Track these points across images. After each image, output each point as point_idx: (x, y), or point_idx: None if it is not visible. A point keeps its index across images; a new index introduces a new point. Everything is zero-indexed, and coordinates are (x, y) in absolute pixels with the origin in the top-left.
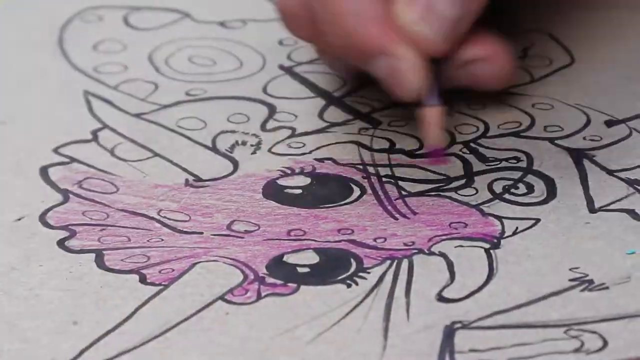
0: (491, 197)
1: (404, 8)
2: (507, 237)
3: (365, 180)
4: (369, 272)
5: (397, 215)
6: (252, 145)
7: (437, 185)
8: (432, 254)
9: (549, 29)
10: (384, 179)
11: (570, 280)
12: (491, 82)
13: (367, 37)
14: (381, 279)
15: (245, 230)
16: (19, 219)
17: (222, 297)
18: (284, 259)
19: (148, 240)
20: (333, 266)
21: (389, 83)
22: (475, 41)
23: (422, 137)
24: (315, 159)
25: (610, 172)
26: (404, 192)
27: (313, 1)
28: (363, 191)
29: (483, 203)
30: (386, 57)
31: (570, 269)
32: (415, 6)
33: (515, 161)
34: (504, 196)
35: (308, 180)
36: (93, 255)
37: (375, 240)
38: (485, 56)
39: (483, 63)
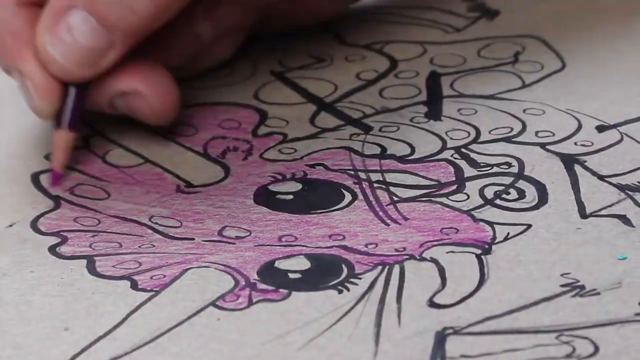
0: (482, 202)
1: (42, 30)
2: (499, 242)
3: (357, 185)
4: (360, 278)
5: (388, 221)
6: (243, 151)
7: (428, 190)
8: (423, 259)
9: (541, 33)
10: (375, 185)
11: (562, 285)
12: (147, 117)
13: (5, 51)
14: (372, 284)
15: (237, 236)
16: (10, 225)
17: (213, 303)
18: (275, 264)
19: (139, 246)
20: (324, 272)
21: (23, 95)
22: (132, 72)
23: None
24: (307, 165)
25: (602, 178)
26: (395, 198)
27: None
28: (354, 197)
29: (474, 209)
30: (19, 72)
31: (561, 275)
32: (53, 29)
33: (506, 167)
34: (495, 202)
35: (299, 186)
36: (84, 261)
37: (366, 246)
38: (141, 90)
39: (138, 96)
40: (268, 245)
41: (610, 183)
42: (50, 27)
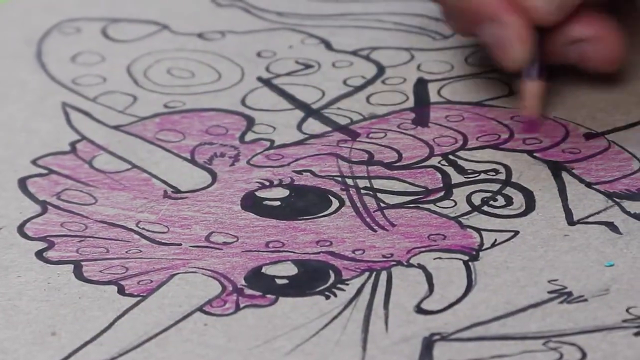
0: (470, 209)
1: None
2: (486, 249)
3: (344, 192)
4: (347, 284)
5: (375, 227)
6: (230, 157)
7: (415, 197)
8: (410, 265)
9: None
10: (362, 191)
11: (549, 292)
12: (599, 64)
13: (482, 3)
14: (360, 290)
15: (224, 242)
16: None
17: (200, 309)
18: (263, 270)
19: (127, 252)
20: (312, 278)
21: (495, 50)
22: (587, 20)
23: (520, 106)
24: (294, 171)
25: (589, 185)
26: (382, 204)
27: None
28: (342, 203)
29: (462, 215)
30: (496, 23)
31: (549, 281)
32: None
33: (494, 173)
34: (482, 208)
35: (287, 192)
36: (71, 266)
37: (353, 252)
38: (596, 36)
39: (593, 43)
40: (255, 251)
41: (597, 190)
42: None
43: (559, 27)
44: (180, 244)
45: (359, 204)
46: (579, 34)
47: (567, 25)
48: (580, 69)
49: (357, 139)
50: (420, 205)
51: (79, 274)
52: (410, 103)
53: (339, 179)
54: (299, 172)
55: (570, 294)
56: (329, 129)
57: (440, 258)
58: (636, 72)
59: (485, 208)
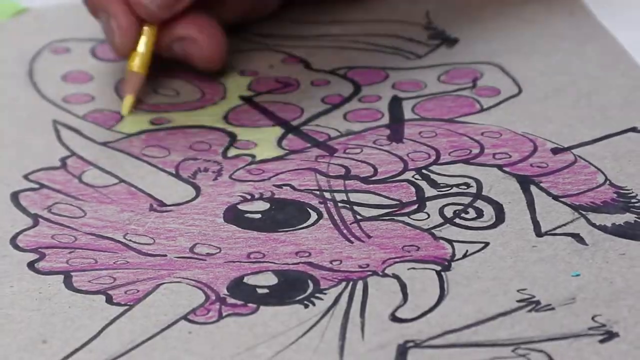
0: (442, 221)
1: None
2: (458, 259)
3: (322, 205)
4: (325, 293)
5: (352, 239)
6: (213, 172)
7: (390, 210)
8: (386, 275)
9: (498, 60)
10: (339, 204)
11: (518, 301)
12: (200, 61)
13: None
14: (337, 299)
15: (207, 253)
16: None
17: (185, 317)
18: (244, 280)
19: (114, 263)
20: (291, 287)
21: (105, 36)
22: (189, 20)
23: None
24: (274, 185)
25: (556, 198)
26: (359, 217)
27: None
28: (320, 216)
29: (435, 227)
30: (105, 14)
31: (518, 290)
32: None
33: (465, 187)
34: (454, 220)
35: (267, 205)
36: (62, 276)
37: (331, 262)
38: (193, 36)
39: (193, 42)
40: (237, 261)
41: (564, 203)
42: None
43: (165, 23)
44: (166, 255)
45: (336, 217)
46: (180, 33)
47: (172, 23)
48: (188, 65)
49: (335, 155)
50: (394, 217)
51: (68, 284)
52: (385, 120)
53: (318, 192)
54: (279, 186)
55: (538, 302)
56: (308, 144)
57: (414, 268)
58: (599, 89)
59: (457, 220)
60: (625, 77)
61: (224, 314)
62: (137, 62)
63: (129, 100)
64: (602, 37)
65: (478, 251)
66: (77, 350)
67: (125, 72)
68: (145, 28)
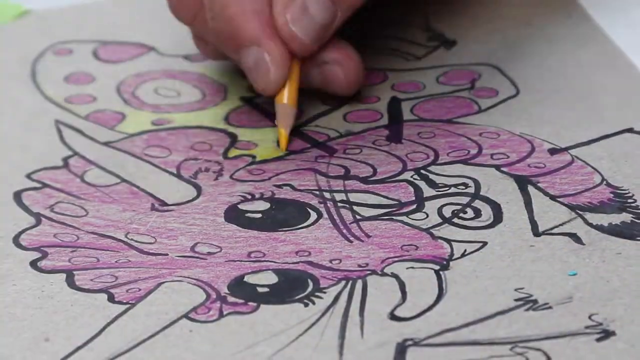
0: (441, 221)
1: (282, 9)
2: (456, 259)
3: (322, 205)
4: (325, 292)
5: (351, 238)
6: (214, 172)
7: (389, 210)
8: (384, 274)
9: (496, 62)
10: (339, 204)
11: (516, 300)
12: (340, 85)
13: (245, 27)
14: (337, 298)
15: (208, 252)
16: None
17: (186, 316)
18: (245, 279)
19: (116, 261)
20: (291, 286)
21: (253, 73)
22: (332, 45)
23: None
24: (275, 185)
25: (553, 198)
26: (358, 217)
27: None
28: (319, 215)
29: (433, 227)
30: (257, 48)
31: (515, 290)
32: (292, 8)
33: (463, 187)
34: (453, 220)
35: (267, 205)
36: (64, 275)
37: (331, 261)
38: (337, 59)
39: (334, 66)
40: (238, 260)
41: (561, 203)
42: (288, 6)
43: None
44: (167, 254)
45: (336, 216)
46: (323, 57)
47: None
48: (324, 91)
49: (334, 155)
50: (393, 217)
51: (71, 282)
52: (385, 121)
53: (317, 192)
54: (279, 186)
55: (535, 301)
56: (308, 145)
57: (412, 267)
58: (596, 91)
59: (456, 220)
60: (621, 78)
61: (225, 312)
62: (287, 95)
63: (285, 135)
64: (599, 38)
65: (476, 250)
66: (79, 348)
67: (276, 107)
68: (294, 61)
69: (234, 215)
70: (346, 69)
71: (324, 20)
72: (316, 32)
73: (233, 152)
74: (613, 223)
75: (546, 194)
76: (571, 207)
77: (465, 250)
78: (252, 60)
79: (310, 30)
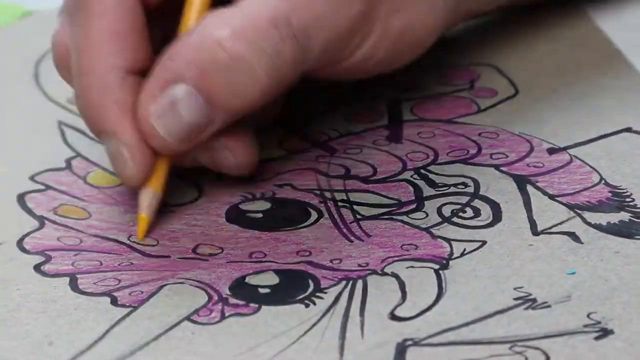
0: (440, 220)
1: (145, 99)
2: (456, 258)
3: (322, 204)
4: (325, 292)
5: (352, 238)
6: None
7: (389, 209)
8: (385, 274)
9: (495, 62)
10: (339, 204)
11: (515, 299)
12: (231, 169)
13: (104, 117)
14: (337, 298)
15: (210, 253)
16: None
17: (188, 318)
18: (246, 280)
19: (119, 264)
20: (292, 287)
21: (113, 164)
22: (224, 130)
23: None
24: (275, 185)
25: (552, 197)
26: (358, 216)
27: (72, 58)
28: (320, 215)
29: (433, 226)
30: (115, 140)
31: (514, 289)
32: (158, 100)
33: (462, 186)
34: (452, 219)
35: (268, 205)
36: (67, 279)
37: (331, 261)
38: (226, 145)
39: (224, 151)
40: (239, 261)
41: (560, 202)
42: (155, 98)
43: None
44: (169, 256)
45: (336, 216)
46: (213, 143)
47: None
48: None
49: (335, 155)
50: (393, 216)
51: (74, 286)
52: (385, 121)
53: (318, 192)
54: (280, 186)
55: (534, 300)
56: (308, 145)
57: (412, 267)
58: (595, 91)
59: (455, 219)
60: (620, 79)
61: (227, 314)
62: (153, 178)
63: (144, 221)
64: (598, 38)
65: (475, 250)
66: (82, 352)
67: (139, 191)
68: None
69: (235, 215)
70: (237, 154)
71: (194, 120)
72: (183, 132)
73: None
74: (611, 222)
75: (545, 193)
76: (570, 207)
77: (464, 250)
78: (112, 150)
79: (176, 129)
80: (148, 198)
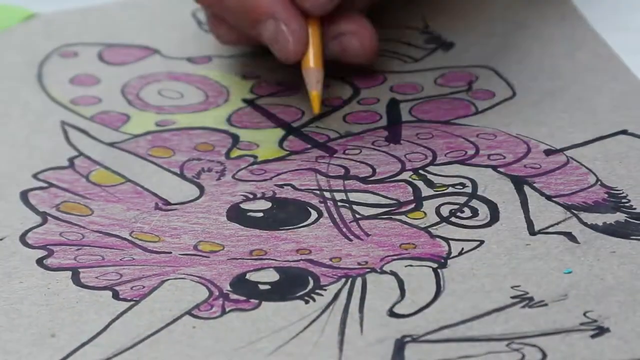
0: (439, 220)
1: None
2: (454, 257)
3: (322, 204)
4: (325, 290)
5: (351, 237)
6: (217, 172)
7: (388, 209)
8: (383, 272)
9: (493, 64)
10: (339, 203)
11: (512, 297)
12: (357, 55)
13: (259, 1)
14: (337, 295)
15: (211, 250)
16: (1, 239)
17: (189, 312)
18: (247, 277)
19: (121, 259)
20: (292, 284)
21: (273, 46)
22: (346, 17)
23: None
24: (276, 185)
25: (549, 198)
26: (357, 216)
27: None
28: (320, 214)
29: (431, 226)
30: (274, 21)
31: (511, 287)
32: None
33: (461, 187)
34: (450, 219)
35: (269, 205)
36: (69, 272)
37: (331, 259)
38: (353, 30)
39: (350, 36)
40: (240, 258)
41: (556, 203)
42: None
43: (323, 23)
44: (171, 252)
45: (336, 215)
46: (339, 29)
47: (330, 21)
48: (342, 61)
49: (334, 155)
50: (392, 216)
51: (76, 280)
52: (384, 122)
53: (318, 192)
54: (281, 186)
55: (531, 299)
56: (308, 145)
57: (411, 265)
58: (591, 93)
59: (453, 219)
60: (615, 81)
61: (227, 309)
62: (312, 58)
63: (317, 97)
64: (593, 40)
65: (473, 249)
66: (84, 344)
67: (303, 72)
68: (312, 27)
69: (236, 214)
70: (362, 38)
71: None
72: None
73: (235, 153)
74: (607, 222)
75: (542, 194)
76: (566, 207)
77: (462, 249)
78: (270, 34)
79: None
80: (315, 75)
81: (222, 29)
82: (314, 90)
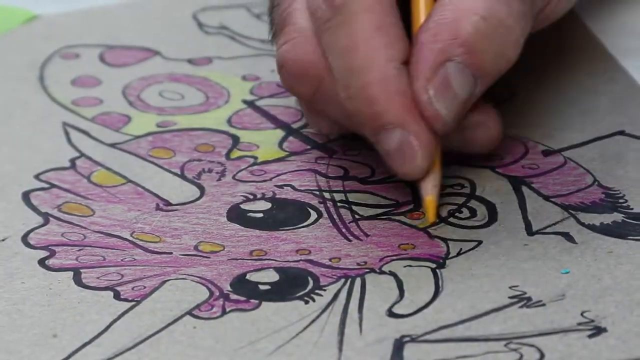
0: (437, 220)
1: (424, 83)
2: (452, 257)
3: (322, 205)
4: (324, 290)
5: (350, 237)
6: (217, 173)
7: (387, 209)
8: (382, 273)
9: None
10: (338, 204)
11: (510, 297)
12: (483, 146)
13: (389, 109)
14: (336, 296)
15: (211, 251)
16: (3, 240)
17: (189, 312)
18: (247, 277)
19: (122, 260)
20: (292, 284)
21: (396, 157)
22: (473, 107)
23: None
24: (276, 186)
25: (547, 198)
26: (357, 216)
27: (333, 63)
28: (319, 215)
29: (430, 226)
30: (401, 131)
31: (510, 287)
32: (434, 82)
33: (459, 187)
34: (449, 220)
35: (269, 205)
36: (71, 273)
37: (330, 260)
38: (479, 122)
39: (476, 130)
40: (240, 259)
41: (554, 203)
42: (431, 80)
43: None
44: (171, 253)
45: (335, 216)
46: (476, 119)
47: None
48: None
49: (334, 156)
50: (391, 217)
51: (78, 280)
52: None
53: (317, 193)
54: (280, 187)
55: (529, 299)
56: (308, 146)
57: (410, 266)
58: (588, 94)
59: (452, 219)
60: (613, 83)
61: (228, 309)
62: (435, 182)
63: (432, 203)
64: (591, 42)
65: (472, 249)
66: (86, 344)
67: (422, 190)
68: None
69: (236, 214)
70: (489, 130)
71: (467, 96)
72: (459, 109)
73: (235, 154)
74: (605, 222)
75: (539, 194)
76: (564, 207)
77: (461, 249)
78: (395, 144)
79: (454, 107)
80: (432, 180)
81: (321, 122)
82: (430, 195)
